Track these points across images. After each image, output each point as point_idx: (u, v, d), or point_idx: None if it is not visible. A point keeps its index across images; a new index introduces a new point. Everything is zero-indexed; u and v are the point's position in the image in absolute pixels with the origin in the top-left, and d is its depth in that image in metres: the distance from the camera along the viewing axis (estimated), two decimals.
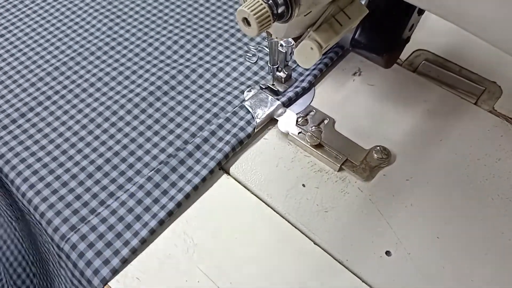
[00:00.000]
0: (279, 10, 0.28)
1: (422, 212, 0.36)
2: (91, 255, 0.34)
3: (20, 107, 0.44)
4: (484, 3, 0.23)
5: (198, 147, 0.40)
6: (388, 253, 0.34)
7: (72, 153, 0.40)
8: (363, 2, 0.35)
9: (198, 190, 0.38)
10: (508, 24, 0.22)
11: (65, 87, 0.45)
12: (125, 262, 0.34)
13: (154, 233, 0.36)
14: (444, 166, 0.39)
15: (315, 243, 0.35)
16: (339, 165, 0.38)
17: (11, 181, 0.39)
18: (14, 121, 0.43)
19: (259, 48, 0.48)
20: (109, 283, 0.33)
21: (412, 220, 0.36)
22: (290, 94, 0.43)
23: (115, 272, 0.34)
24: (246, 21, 0.27)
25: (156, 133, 0.42)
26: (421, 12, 0.40)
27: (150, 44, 0.49)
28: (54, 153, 0.40)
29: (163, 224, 0.36)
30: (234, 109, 0.42)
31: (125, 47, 0.49)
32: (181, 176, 0.38)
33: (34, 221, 0.38)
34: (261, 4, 0.27)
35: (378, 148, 0.39)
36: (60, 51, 0.49)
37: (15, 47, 0.49)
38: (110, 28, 0.51)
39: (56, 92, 0.45)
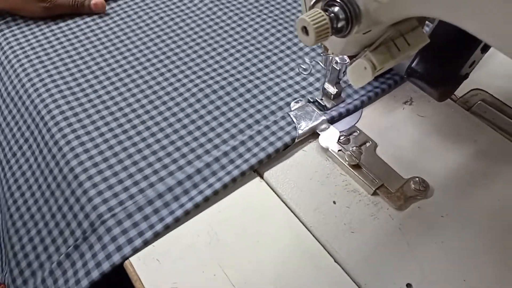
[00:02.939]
0: (339, 25, 0.28)
1: (452, 252, 0.35)
2: (118, 232, 0.36)
3: (89, 79, 0.47)
4: None
5: (234, 148, 0.41)
6: (409, 285, 0.33)
7: (108, 136, 0.43)
8: (426, 31, 0.35)
9: (228, 188, 0.39)
10: None
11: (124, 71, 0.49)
12: (147, 243, 0.35)
13: (178, 221, 0.37)
14: (484, 211, 0.37)
15: (335, 261, 0.34)
16: (374, 189, 0.38)
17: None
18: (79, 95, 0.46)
19: (313, 63, 0.48)
20: (130, 259, 0.35)
21: (440, 258, 0.34)
22: (336, 111, 0.43)
23: (136, 251, 0.35)
24: (305, 29, 0.28)
25: (198, 128, 0.43)
26: (484, 50, 0.39)
27: (210, 45, 0.51)
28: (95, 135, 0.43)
29: (188, 215, 0.37)
30: (276, 119, 0.43)
31: (183, 51, 0.51)
32: (214, 173, 0.39)
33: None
34: (322, 15, 0.27)
35: (417, 179, 0.38)
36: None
37: (85, 24, 0.53)
38: (173, 31, 0.54)
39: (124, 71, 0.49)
